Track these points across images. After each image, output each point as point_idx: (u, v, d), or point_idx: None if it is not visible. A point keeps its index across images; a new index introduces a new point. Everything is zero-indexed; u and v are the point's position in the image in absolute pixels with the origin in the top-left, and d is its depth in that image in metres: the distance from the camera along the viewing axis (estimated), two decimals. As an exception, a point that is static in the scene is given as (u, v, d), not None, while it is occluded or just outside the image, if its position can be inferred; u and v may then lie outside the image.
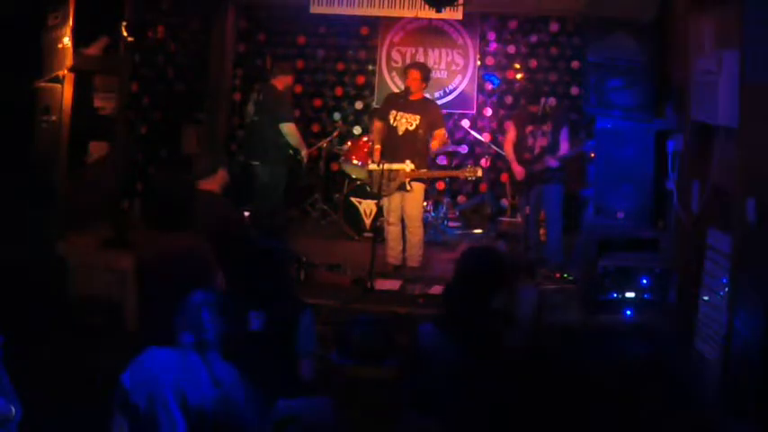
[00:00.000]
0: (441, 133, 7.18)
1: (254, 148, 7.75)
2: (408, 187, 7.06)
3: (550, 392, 3.53)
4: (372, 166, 7.14)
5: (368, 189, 7.26)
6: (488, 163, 8.81)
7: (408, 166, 7.01)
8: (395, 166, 7.04)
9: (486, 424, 3.41)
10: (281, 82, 7.74)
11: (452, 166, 9.11)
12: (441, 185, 9.18)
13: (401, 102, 7.16)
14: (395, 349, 2.91)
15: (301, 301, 4.11)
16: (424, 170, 7.17)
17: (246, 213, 6.97)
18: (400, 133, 7.11)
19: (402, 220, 7.24)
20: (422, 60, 9.19)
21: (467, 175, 7.27)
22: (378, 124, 7.32)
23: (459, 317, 3.61)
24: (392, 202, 7.18)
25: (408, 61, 9.08)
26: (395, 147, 7.09)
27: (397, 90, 8.71)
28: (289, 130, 7.54)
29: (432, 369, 3.60)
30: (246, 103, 8.25)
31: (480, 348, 3.47)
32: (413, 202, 7.16)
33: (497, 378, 3.39)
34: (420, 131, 7.07)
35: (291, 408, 2.87)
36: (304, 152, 7.80)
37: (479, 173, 7.22)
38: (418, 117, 7.07)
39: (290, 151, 7.68)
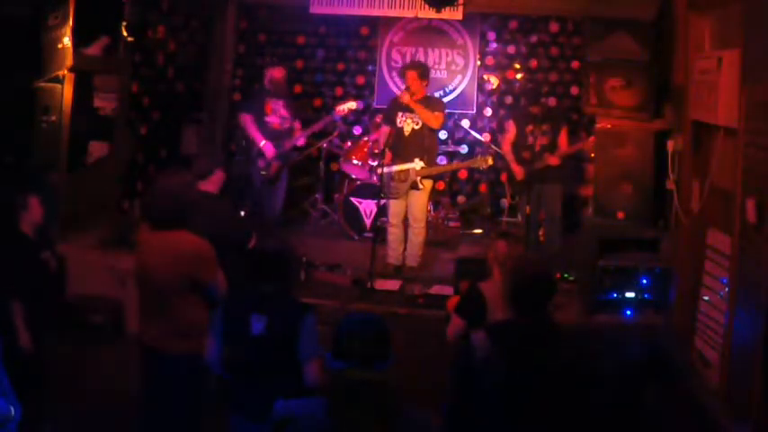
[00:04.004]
0: (438, 114, 7.08)
1: None
2: (420, 185, 7.06)
3: (556, 392, 3.55)
4: (384, 170, 7.05)
5: (381, 194, 7.09)
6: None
7: (418, 164, 7.04)
8: (404, 166, 7.06)
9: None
10: (267, 77, 7.74)
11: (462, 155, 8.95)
12: (441, 185, 9.16)
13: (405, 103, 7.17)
14: (389, 351, 2.87)
15: (304, 303, 4.06)
16: (435, 166, 7.16)
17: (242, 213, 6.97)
18: (407, 134, 7.13)
19: (404, 221, 7.25)
20: (421, 60, 9.18)
21: (478, 164, 7.26)
22: (386, 129, 7.31)
23: (518, 329, 3.69)
24: (398, 204, 7.18)
25: (408, 61, 9.06)
26: (402, 147, 7.12)
27: (397, 91, 8.71)
28: (240, 121, 7.33)
29: (482, 378, 3.66)
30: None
31: (543, 361, 3.55)
32: (419, 203, 7.16)
33: (554, 391, 3.48)
34: (426, 129, 7.08)
35: (289, 408, 2.86)
36: (260, 145, 7.53)
37: (490, 161, 7.21)
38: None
39: (243, 142, 7.40)
